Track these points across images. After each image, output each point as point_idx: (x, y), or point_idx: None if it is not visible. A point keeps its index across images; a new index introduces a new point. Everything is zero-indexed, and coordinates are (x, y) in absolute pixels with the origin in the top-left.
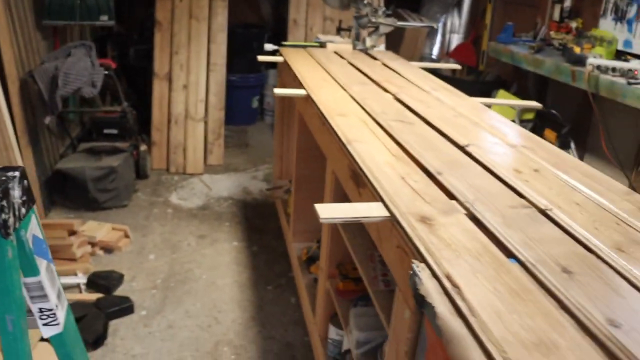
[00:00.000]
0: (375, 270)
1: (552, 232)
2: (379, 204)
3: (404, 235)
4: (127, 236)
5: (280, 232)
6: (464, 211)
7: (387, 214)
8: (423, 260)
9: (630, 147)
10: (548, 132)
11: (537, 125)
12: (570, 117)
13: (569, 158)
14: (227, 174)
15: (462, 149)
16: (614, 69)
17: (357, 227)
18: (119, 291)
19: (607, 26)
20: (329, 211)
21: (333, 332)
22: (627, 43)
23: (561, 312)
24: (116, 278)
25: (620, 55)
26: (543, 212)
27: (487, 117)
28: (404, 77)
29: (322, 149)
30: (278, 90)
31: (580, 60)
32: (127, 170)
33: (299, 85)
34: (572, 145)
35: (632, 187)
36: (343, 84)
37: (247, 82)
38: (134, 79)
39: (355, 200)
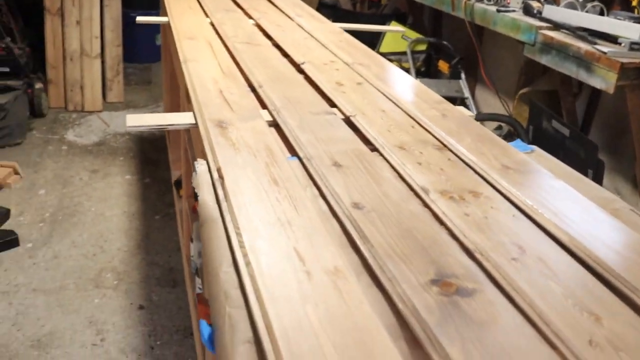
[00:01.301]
0: None
1: (344, 134)
2: (189, 114)
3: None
4: (16, 173)
5: None
6: (269, 118)
7: (192, 121)
8: (205, 157)
9: (512, 75)
10: (441, 63)
11: (430, 56)
12: (463, 48)
13: (399, 73)
14: (126, 110)
15: (297, 66)
16: None
17: None
18: (6, 226)
19: None
20: (136, 120)
21: (192, 249)
22: None
23: (315, 197)
24: (2, 213)
25: None
26: (346, 118)
27: (337, 39)
28: (274, 4)
29: (177, 73)
30: (141, 18)
31: None
32: (19, 108)
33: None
34: (463, 75)
35: (511, 115)
36: (208, 11)
37: None
38: (30, 16)
39: None
